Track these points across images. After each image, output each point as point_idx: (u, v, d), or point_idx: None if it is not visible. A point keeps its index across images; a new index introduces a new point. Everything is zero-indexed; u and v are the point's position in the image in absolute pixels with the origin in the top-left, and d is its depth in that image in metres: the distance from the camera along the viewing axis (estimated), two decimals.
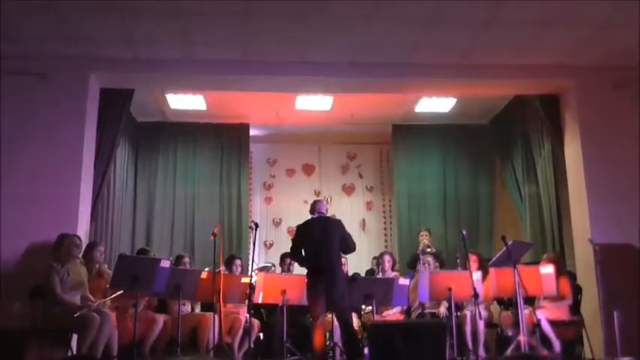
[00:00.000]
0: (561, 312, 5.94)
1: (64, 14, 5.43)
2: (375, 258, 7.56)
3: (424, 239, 7.68)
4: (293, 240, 5.67)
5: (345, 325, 5.30)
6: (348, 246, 5.62)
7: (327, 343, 5.79)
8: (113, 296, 5.33)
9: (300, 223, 5.71)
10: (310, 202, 5.97)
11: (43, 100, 6.20)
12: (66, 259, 5.30)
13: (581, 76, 6.66)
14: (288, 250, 7.30)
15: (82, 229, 6.05)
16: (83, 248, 5.68)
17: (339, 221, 5.71)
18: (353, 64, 6.54)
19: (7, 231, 5.74)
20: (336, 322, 5.62)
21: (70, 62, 6.28)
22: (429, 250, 7.44)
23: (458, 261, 6.28)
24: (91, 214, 6.44)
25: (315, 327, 5.31)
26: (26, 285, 5.37)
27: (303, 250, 5.55)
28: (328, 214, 5.88)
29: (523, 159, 7.96)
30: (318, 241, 5.46)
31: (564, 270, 6.24)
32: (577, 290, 6.19)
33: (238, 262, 6.66)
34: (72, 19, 5.53)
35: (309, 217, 5.72)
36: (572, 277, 6.38)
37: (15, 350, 4.62)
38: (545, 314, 5.72)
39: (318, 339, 5.26)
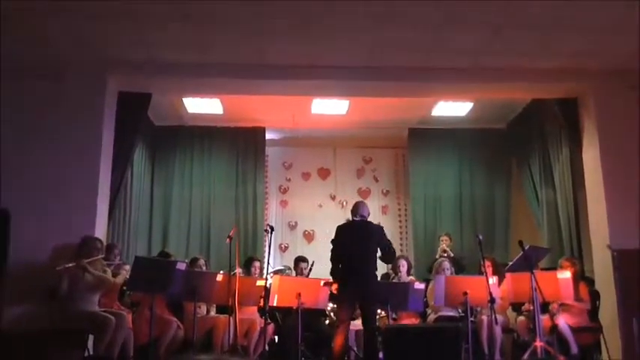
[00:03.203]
0: (579, 318, 5.88)
1: (81, 18, 5.48)
2: None
3: (443, 244, 7.65)
4: (333, 241, 5.59)
5: (370, 329, 5.27)
6: (387, 255, 5.59)
7: None
8: (69, 265, 5.21)
9: (341, 223, 5.68)
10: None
11: (60, 102, 6.23)
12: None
13: (600, 79, 6.58)
14: (303, 254, 7.36)
15: (100, 232, 6.09)
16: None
17: (381, 228, 5.66)
18: (369, 67, 6.52)
19: (27, 233, 5.75)
20: (351, 327, 5.60)
21: (88, 65, 6.29)
22: (445, 254, 7.41)
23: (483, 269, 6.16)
24: (109, 217, 6.49)
25: (338, 329, 5.29)
26: (46, 287, 5.41)
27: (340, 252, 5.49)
28: (355, 219, 5.68)
29: (540, 163, 7.89)
30: (355, 245, 5.42)
31: (582, 275, 6.17)
32: (595, 296, 6.12)
33: (257, 264, 6.71)
34: (90, 22, 5.57)
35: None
36: (591, 282, 6.31)
37: (38, 352, 4.66)
38: (563, 319, 5.66)
39: (339, 341, 5.22)
